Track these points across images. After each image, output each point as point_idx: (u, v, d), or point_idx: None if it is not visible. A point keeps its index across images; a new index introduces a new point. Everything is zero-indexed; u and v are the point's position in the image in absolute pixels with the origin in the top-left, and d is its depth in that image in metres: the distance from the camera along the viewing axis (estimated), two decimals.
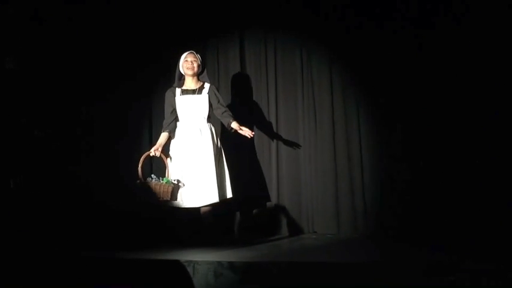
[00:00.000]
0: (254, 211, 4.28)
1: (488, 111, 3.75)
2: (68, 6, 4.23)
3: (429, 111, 3.92)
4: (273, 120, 4.33)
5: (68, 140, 4.19)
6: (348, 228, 4.06)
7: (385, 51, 4.06)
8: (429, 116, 3.92)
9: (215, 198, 3.53)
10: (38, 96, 4.09)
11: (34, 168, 3.96)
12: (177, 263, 2.75)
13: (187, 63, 3.70)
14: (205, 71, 3.82)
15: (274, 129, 4.32)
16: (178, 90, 3.73)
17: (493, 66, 3.76)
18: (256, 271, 2.64)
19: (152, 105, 4.37)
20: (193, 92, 3.72)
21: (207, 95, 3.71)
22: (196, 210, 3.63)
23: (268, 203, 4.27)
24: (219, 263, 2.71)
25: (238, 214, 4.28)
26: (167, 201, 3.45)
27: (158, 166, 3.91)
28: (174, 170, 3.59)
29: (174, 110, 3.71)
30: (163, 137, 3.67)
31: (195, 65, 3.70)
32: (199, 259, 2.78)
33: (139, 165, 3.47)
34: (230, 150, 4.26)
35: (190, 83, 3.75)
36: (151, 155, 3.60)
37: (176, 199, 3.50)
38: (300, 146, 4.26)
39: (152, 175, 3.52)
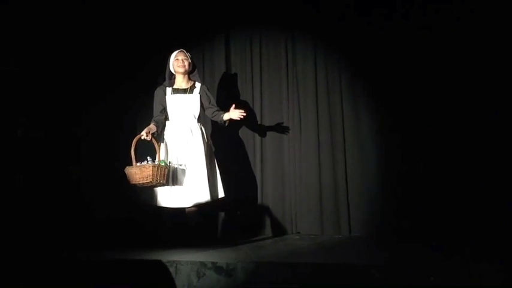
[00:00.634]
0: (238, 212, 4.27)
1: (488, 111, 3.77)
2: (67, 6, 4.20)
3: (417, 109, 3.94)
4: (258, 121, 4.33)
5: (66, 140, 4.16)
6: (331, 229, 4.07)
7: (375, 45, 4.07)
8: (418, 114, 3.94)
9: (207, 198, 3.50)
10: (37, 96, 4.06)
11: (33, 168, 3.92)
12: (159, 263, 2.72)
13: (178, 61, 3.67)
14: (195, 69, 3.79)
15: (259, 130, 4.32)
16: (169, 89, 3.70)
17: (493, 65, 3.78)
18: (239, 271, 2.63)
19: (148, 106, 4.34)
20: (184, 91, 3.70)
21: (199, 95, 3.69)
22: (181, 211, 3.59)
23: (251, 204, 4.26)
24: (202, 263, 2.69)
25: (222, 214, 4.26)
26: (162, 183, 3.37)
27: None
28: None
29: (164, 109, 3.67)
30: (152, 124, 3.59)
31: (186, 63, 3.68)
32: (182, 259, 2.75)
33: (132, 149, 3.36)
34: (217, 151, 4.27)
35: (181, 82, 3.73)
36: (142, 138, 3.47)
37: (170, 183, 3.44)
38: (284, 147, 4.27)
39: (148, 157, 3.43)
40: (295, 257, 3.10)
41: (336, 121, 4.17)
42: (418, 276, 2.45)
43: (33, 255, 3.08)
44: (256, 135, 4.31)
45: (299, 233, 4.15)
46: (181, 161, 3.55)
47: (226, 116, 3.62)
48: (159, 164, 3.35)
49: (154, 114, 3.69)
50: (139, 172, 3.30)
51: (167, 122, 3.68)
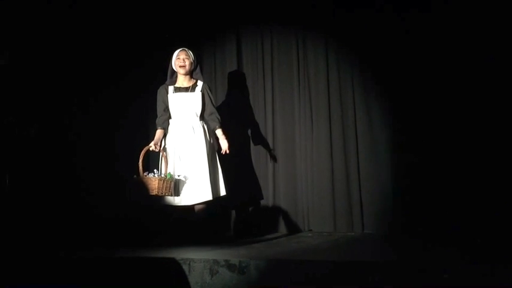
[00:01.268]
0: (250, 209, 4.28)
1: (490, 110, 3.74)
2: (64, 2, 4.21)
3: (428, 108, 3.91)
4: (269, 118, 4.33)
5: (62, 137, 4.16)
6: (344, 227, 4.06)
7: (386, 42, 4.05)
8: (428, 113, 3.91)
9: (208, 196, 3.51)
10: (32, 93, 4.05)
11: (27, 166, 3.92)
12: (173, 260, 2.74)
13: (179, 60, 3.67)
14: (198, 68, 3.78)
15: (271, 128, 4.32)
16: (171, 88, 3.71)
17: (493, 65, 3.75)
18: (252, 269, 2.64)
19: (148, 103, 4.36)
20: (186, 89, 3.70)
21: (200, 93, 3.69)
22: (187, 209, 3.61)
23: (263, 201, 4.27)
24: (215, 260, 2.70)
25: (234, 212, 4.28)
26: (167, 196, 3.43)
27: (153, 161, 3.88)
28: (169, 167, 3.57)
29: (166, 108, 3.69)
30: (160, 133, 3.66)
31: (187, 62, 3.67)
32: (195, 257, 2.77)
33: (140, 160, 3.42)
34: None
35: (182, 80, 3.73)
36: (150, 149, 3.56)
37: (178, 194, 3.49)
38: (296, 144, 4.27)
39: (155, 170, 3.50)
40: (308, 255, 3.10)
41: (348, 119, 4.16)
42: (432, 274, 2.44)
43: (47, 254, 3.12)
44: (268, 133, 4.32)
45: (311, 230, 4.15)
46: (183, 159, 3.57)
47: (218, 133, 3.64)
48: (165, 178, 3.41)
49: (158, 114, 3.70)
50: (145, 184, 3.37)
51: (170, 121, 3.70)
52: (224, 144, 3.62)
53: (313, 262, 2.69)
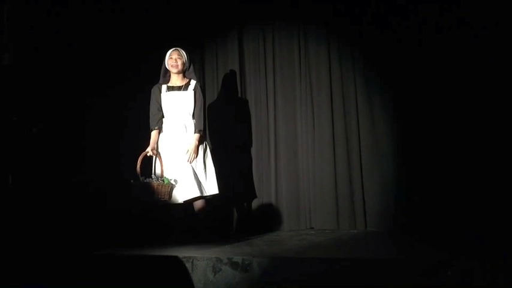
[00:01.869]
0: (252, 207, 4.29)
1: (495, 106, 3.72)
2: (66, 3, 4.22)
3: (431, 107, 3.90)
4: (271, 117, 4.33)
5: (65, 137, 4.16)
6: (347, 224, 4.06)
7: (389, 40, 4.04)
8: (431, 112, 3.90)
9: (196, 193, 3.49)
10: (35, 93, 4.05)
11: (30, 166, 3.93)
12: (176, 259, 2.75)
13: (172, 60, 3.68)
14: (191, 67, 3.78)
15: (273, 125, 4.32)
16: (164, 87, 3.72)
17: (493, 65, 3.74)
18: (255, 267, 2.64)
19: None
20: (178, 88, 3.71)
21: (193, 92, 3.69)
22: (189, 207, 3.61)
23: (266, 199, 4.27)
24: (218, 258, 2.70)
25: (236, 211, 4.28)
26: (165, 200, 3.46)
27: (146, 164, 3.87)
28: (163, 168, 3.57)
29: (160, 107, 3.70)
30: (155, 135, 3.66)
31: (179, 62, 3.67)
32: (198, 255, 2.77)
33: (138, 165, 3.47)
34: (229, 146, 4.27)
35: (175, 80, 3.74)
36: (148, 155, 3.58)
37: (171, 199, 3.51)
38: (298, 142, 4.27)
39: (153, 175, 3.51)
40: (311, 253, 3.10)
41: (351, 115, 4.15)
42: (435, 271, 2.44)
43: (50, 251, 3.13)
44: (270, 130, 4.31)
45: (312, 228, 4.14)
46: (175, 157, 3.58)
47: (193, 139, 3.59)
48: (163, 183, 3.43)
49: (152, 113, 3.69)
50: (143, 188, 3.40)
51: (163, 120, 3.70)
52: (190, 154, 3.57)
53: (316, 260, 2.69)
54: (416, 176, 3.91)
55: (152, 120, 3.69)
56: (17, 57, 3.99)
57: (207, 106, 4.30)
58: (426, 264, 2.50)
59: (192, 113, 3.68)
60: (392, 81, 4.04)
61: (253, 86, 4.42)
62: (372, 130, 4.11)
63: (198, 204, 3.59)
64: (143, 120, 3.79)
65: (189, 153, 3.57)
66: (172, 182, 3.50)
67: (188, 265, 2.72)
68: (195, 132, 3.62)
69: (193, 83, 3.73)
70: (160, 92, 3.71)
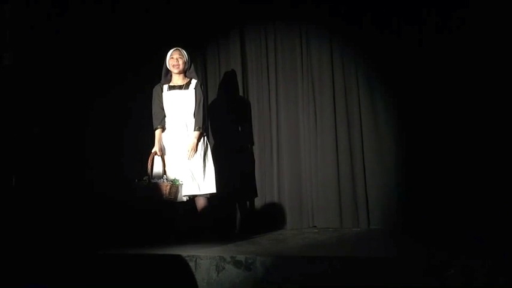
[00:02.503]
0: (255, 206, 4.29)
1: (497, 106, 3.71)
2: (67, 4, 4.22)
3: (433, 106, 3.90)
4: (273, 116, 4.33)
5: (66, 137, 4.17)
6: (350, 223, 4.06)
7: (391, 39, 4.04)
8: (433, 111, 3.90)
9: (192, 191, 3.52)
10: (36, 92, 4.06)
11: (33, 165, 3.94)
12: (179, 257, 2.76)
13: (173, 60, 3.70)
14: (192, 67, 3.81)
15: (275, 124, 4.32)
16: (165, 86, 3.75)
17: (493, 64, 3.73)
18: (258, 265, 2.64)
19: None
20: (180, 87, 3.74)
21: (194, 90, 3.71)
22: (191, 205, 3.63)
23: (269, 198, 4.28)
24: (221, 257, 2.71)
25: (239, 209, 4.29)
26: (171, 200, 3.46)
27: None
28: (166, 167, 3.59)
29: (162, 106, 3.71)
30: (159, 134, 3.67)
31: (180, 62, 3.70)
32: (202, 254, 2.78)
33: (149, 166, 3.49)
34: (231, 145, 4.27)
35: (177, 79, 3.76)
36: (156, 156, 3.59)
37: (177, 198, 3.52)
38: (301, 141, 4.27)
39: (164, 176, 3.51)
40: (314, 251, 3.11)
41: (353, 114, 4.15)
42: (437, 269, 2.44)
43: (53, 251, 3.14)
44: (273, 129, 4.32)
45: (315, 226, 4.15)
46: (177, 155, 3.60)
47: (192, 136, 3.61)
48: (173, 184, 3.44)
49: (155, 112, 3.71)
50: (153, 189, 3.40)
51: (165, 119, 3.71)
52: (187, 152, 3.59)
53: (319, 258, 2.69)
54: (418, 176, 3.91)
55: (155, 119, 3.71)
56: (18, 57, 4.01)
57: (209, 105, 4.32)
58: (428, 262, 2.51)
59: (193, 112, 3.69)
60: (395, 80, 4.03)
61: (255, 85, 4.42)
62: (374, 129, 4.11)
63: (200, 203, 3.61)
64: (143, 120, 3.80)
65: (188, 150, 3.58)
66: (180, 182, 3.51)
67: (191, 264, 2.73)
68: (194, 130, 3.63)
69: (194, 82, 3.75)
70: (162, 91, 3.73)
